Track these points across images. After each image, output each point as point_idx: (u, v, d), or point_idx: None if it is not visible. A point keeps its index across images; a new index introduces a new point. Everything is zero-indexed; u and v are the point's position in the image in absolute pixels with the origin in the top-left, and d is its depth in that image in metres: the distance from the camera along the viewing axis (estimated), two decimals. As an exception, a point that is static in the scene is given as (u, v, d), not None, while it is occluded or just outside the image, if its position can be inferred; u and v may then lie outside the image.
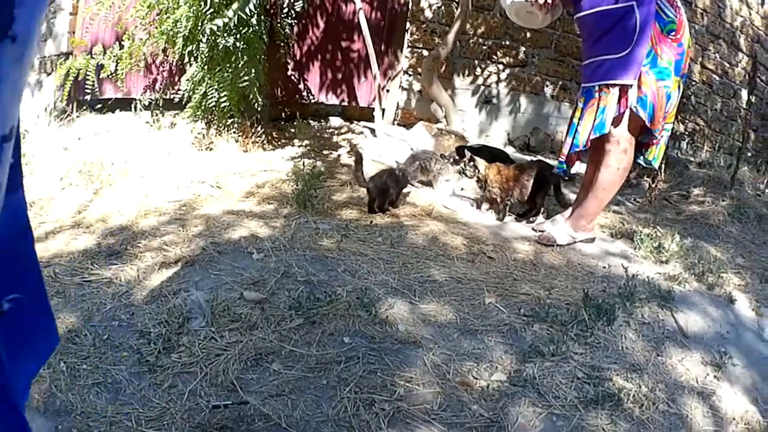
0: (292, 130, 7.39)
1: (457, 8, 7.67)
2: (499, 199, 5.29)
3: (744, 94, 10.24)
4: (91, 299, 3.40)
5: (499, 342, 3.29)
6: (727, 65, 10.31)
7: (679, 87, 4.54)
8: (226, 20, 5.75)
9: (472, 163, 5.34)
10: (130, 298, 3.43)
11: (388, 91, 8.44)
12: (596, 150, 4.75)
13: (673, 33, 4.43)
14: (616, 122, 4.50)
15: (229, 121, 6.72)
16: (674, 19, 4.43)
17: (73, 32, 7.84)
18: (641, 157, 4.85)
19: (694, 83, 9.59)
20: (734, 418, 3.07)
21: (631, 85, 4.38)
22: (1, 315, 1.13)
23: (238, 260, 3.87)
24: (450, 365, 3.02)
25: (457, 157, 5.82)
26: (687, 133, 8.96)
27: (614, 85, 4.43)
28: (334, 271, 3.83)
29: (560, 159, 4.86)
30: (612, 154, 4.61)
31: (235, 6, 5.78)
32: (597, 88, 4.52)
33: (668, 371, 3.28)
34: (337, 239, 4.35)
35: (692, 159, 8.60)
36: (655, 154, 4.79)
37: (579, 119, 4.65)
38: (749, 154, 9.65)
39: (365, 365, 2.92)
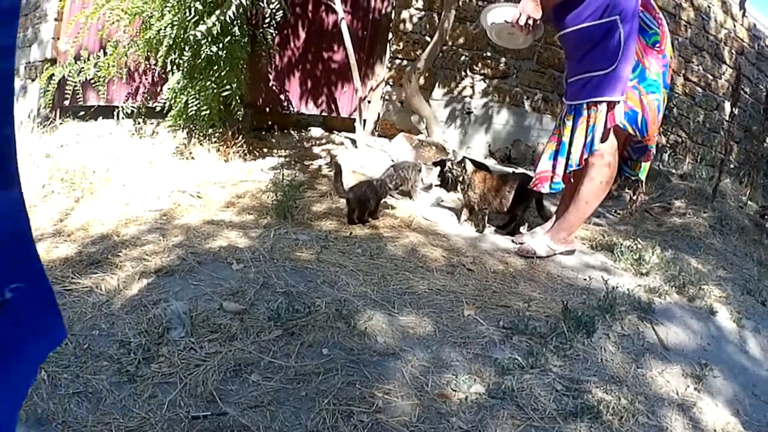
0: (273, 140, 7.39)
1: (438, 19, 7.69)
2: (476, 207, 5.30)
3: (727, 106, 10.32)
4: (71, 308, 3.39)
5: (478, 354, 3.30)
6: (711, 77, 10.40)
7: (665, 99, 4.62)
8: (209, 25, 5.77)
9: (461, 165, 5.32)
10: (110, 307, 3.43)
11: (369, 102, 8.48)
12: None
13: (657, 45, 4.50)
14: (603, 137, 4.53)
15: (210, 130, 6.74)
16: (657, 31, 4.50)
17: (58, 38, 7.83)
18: (627, 170, 4.96)
19: (676, 95, 9.66)
20: (715, 430, 3.09)
21: (619, 102, 4.43)
22: (4, 304, 1.15)
23: (217, 271, 3.88)
24: (429, 377, 3.03)
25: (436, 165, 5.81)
26: (669, 145, 9.02)
27: (602, 102, 4.46)
28: (314, 283, 3.84)
29: (555, 180, 4.81)
30: (596, 168, 4.64)
31: (218, 12, 5.79)
32: (585, 105, 4.54)
33: (648, 383, 3.30)
34: (316, 250, 4.36)
35: (674, 171, 8.62)
36: (642, 167, 4.88)
37: (570, 138, 4.67)
38: (732, 166, 9.75)
39: (344, 377, 2.93)
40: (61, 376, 2.83)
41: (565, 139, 4.70)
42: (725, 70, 10.59)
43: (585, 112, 4.55)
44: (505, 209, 5.28)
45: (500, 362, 3.23)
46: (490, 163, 7.75)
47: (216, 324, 3.26)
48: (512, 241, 5.15)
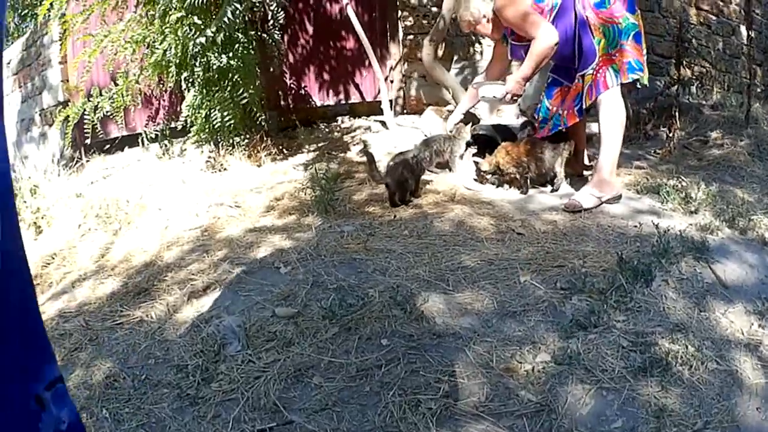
0: (302, 137, 7.33)
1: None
2: (518, 176, 5.27)
3: (743, 30, 10.09)
4: (124, 341, 3.39)
5: (539, 321, 3.24)
6: (721, 3, 10.14)
7: (637, 17, 5.05)
8: (209, 35, 5.73)
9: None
10: (163, 334, 3.41)
11: (392, 81, 8.42)
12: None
13: (609, 6, 4.98)
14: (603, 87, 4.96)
15: (237, 138, 6.69)
16: None
17: (67, 80, 7.84)
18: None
19: (692, 26, 9.44)
20: None
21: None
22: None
23: (266, 277, 3.83)
24: (493, 353, 2.97)
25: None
26: (695, 77, 8.81)
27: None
28: (364, 273, 3.78)
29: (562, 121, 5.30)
30: (603, 104, 4.95)
31: (215, 22, 5.76)
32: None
33: (713, 327, 3.21)
34: (363, 239, 4.30)
35: (704, 102, 8.50)
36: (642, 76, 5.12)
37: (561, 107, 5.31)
38: (759, 90, 9.52)
39: (406, 365, 2.87)
40: (122, 411, 2.82)
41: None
42: (734, -6, 10.36)
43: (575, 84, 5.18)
44: (543, 170, 5.27)
45: (562, 326, 3.18)
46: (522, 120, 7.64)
47: (271, 332, 3.22)
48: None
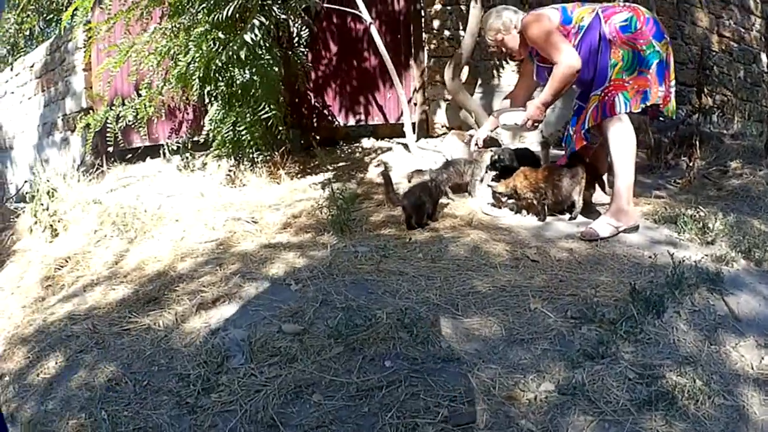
0: (324, 156, 7.35)
1: (467, 12, 7.59)
2: (535, 202, 5.24)
3: (764, 57, 10.10)
4: (130, 347, 3.43)
5: (546, 349, 3.22)
6: (743, 30, 10.17)
7: (666, 46, 4.97)
8: (231, 52, 5.80)
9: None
10: (169, 342, 3.44)
11: (415, 104, 8.44)
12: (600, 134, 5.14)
13: (638, 28, 4.90)
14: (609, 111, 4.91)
15: (258, 154, 6.74)
16: (632, 16, 4.95)
17: (90, 87, 7.92)
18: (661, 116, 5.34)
19: (714, 53, 9.47)
20: None
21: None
22: None
23: (276, 293, 3.84)
24: (496, 380, 2.95)
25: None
26: (716, 105, 8.79)
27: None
28: (374, 294, 3.77)
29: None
30: (610, 129, 4.89)
31: (239, 37, 5.81)
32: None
33: (722, 360, 3.18)
34: (376, 261, 4.29)
35: (725, 132, 8.46)
36: (668, 107, 5.02)
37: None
38: (779, 119, 9.51)
39: (407, 388, 2.86)
40: (121, 414, 2.87)
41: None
42: (754, 21, 10.36)
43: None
44: (560, 198, 5.23)
45: (569, 356, 3.15)
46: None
47: (275, 347, 3.22)
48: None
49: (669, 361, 3.11)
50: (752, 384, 3.01)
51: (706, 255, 4.30)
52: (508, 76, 8.40)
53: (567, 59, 4.88)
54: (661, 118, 5.46)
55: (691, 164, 6.47)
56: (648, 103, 4.86)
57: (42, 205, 6.27)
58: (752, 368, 3.14)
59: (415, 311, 3.50)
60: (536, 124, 5.39)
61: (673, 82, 5.00)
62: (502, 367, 3.05)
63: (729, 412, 2.81)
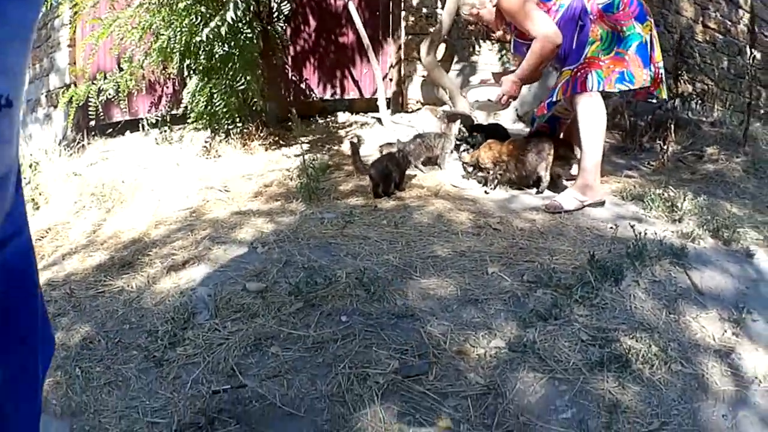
0: (299, 129, 7.45)
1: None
2: (494, 174, 5.33)
3: (749, 50, 10.18)
4: (104, 308, 3.54)
5: (500, 309, 3.28)
6: (729, 23, 10.20)
7: (650, 28, 4.93)
8: (213, 27, 5.85)
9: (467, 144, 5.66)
10: (140, 302, 3.55)
11: (390, 79, 8.56)
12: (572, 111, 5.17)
13: (621, 6, 4.87)
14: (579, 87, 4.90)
15: (233, 126, 6.84)
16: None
17: (74, 63, 7.98)
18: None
19: (697, 43, 9.52)
20: (756, 377, 2.91)
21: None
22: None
23: (242, 256, 3.95)
24: (447, 335, 3.04)
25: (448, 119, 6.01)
26: (696, 93, 8.88)
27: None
28: (336, 256, 3.88)
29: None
30: (579, 104, 4.90)
31: (221, 13, 5.87)
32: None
33: (681, 329, 3.19)
34: (340, 226, 4.40)
35: (704, 119, 8.49)
36: (659, 89, 5.07)
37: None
38: (762, 111, 9.57)
39: (361, 341, 2.97)
40: (94, 369, 2.97)
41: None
42: (742, 15, 10.38)
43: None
44: (525, 172, 5.31)
45: (522, 316, 3.21)
46: (520, 126, 7.73)
47: (239, 304, 3.34)
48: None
49: (624, 326, 3.16)
50: (713, 355, 3.03)
51: (672, 231, 4.36)
52: (485, 55, 8.52)
53: (545, 32, 4.87)
54: (650, 100, 5.53)
55: (665, 147, 6.53)
56: (633, 86, 4.85)
57: (24, 179, 6.35)
58: (714, 339, 3.14)
59: (374, 272, 3.60)
60: (511, 101, 5.37)
61: (660, 63, 4.98)
62: (454, 324, 3.13)
63: (687, 379, 2.84)
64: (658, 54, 4.99)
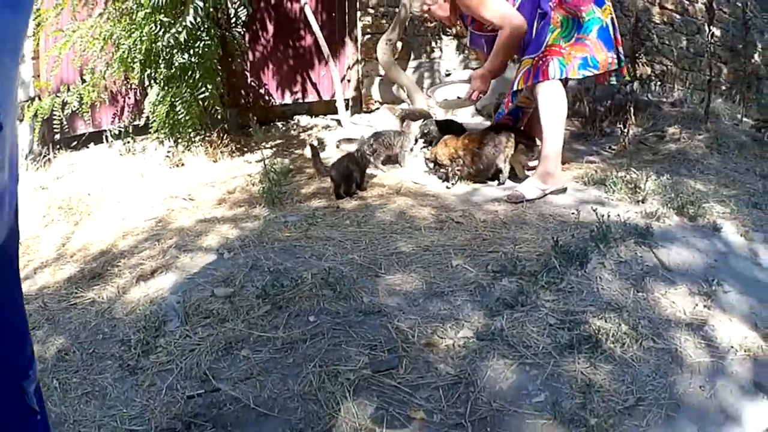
0: (260, 135, 7.49)
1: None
2: (451, 169, 5.38)
3: (708, 28, 10.28)
4: (77, 320, 3.59)
5: (466, 300, 3.35)
6: (687, 2, 10.30)
7: (609, 11, 4.98)
8: (173, 33, 5.89)
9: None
10: (112, 312, 3.61)
11: (349, 81, 8.61)
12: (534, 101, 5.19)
13: None
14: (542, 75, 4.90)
15: (195, 135, 6.86)
16: None
17: (38, 75, 7.95)
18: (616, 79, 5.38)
19: (654, 24, 9.62)
20: (732, 346, 3.02)
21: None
22: None
23: (209, 262, 4.00)
24: (415, 329, 3.10)
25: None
26: (655, 74, 8.97)
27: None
28: (302, 258, 3.93)
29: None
30: (540, 93, 4.94)
31: (180, 20, 5.90)
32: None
33: (651, 306, 3.28)
34: (304, 228, 4.45)
35: (664, 100, 8.56)
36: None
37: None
38: (723, 88, 9.69)
39: (330, 340, 3.04)
40: (71, 380, 3.02)
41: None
42: (700, -6, 10.54)
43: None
44: (482, 166, 5.36)
45: (488, 305, 3.28)
46: (478, 120, 7.80)
47: (208, 310, 3.40)
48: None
49: (592, 307, 3.23)
50: (685, 328, 3.11)
51: (636, 212, 4.44)
52: (443, 51, 8.61)
53: (511, 20, 4.92)
54: (613, 82, 5.48)
55: (625, 130, 6.60)
56: (597, 71, 4.92)
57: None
58: (685, 313, 3.24)
59: (340, 271, 3.66)
60: (481, 95, 5.38)
61: (620, 44, 5.03)
62: (421, 317, 3.19)
63: (660, 354, 2.92)
64: (620, 37, 5.05)
